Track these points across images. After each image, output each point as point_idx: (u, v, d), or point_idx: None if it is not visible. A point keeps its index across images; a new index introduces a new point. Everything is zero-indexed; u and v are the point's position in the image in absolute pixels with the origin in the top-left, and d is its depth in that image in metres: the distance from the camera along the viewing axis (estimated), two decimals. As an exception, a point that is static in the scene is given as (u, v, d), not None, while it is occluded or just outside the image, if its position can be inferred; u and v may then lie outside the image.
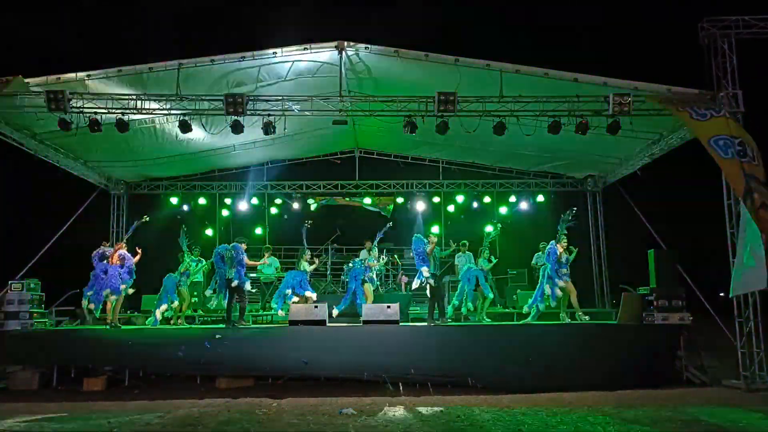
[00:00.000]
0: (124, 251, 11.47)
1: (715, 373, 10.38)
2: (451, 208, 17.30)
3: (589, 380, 9.65)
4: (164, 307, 11.75)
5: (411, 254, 12.75)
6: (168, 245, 13.10)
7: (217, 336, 10.28)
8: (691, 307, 10.63)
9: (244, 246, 11.37)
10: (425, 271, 11.15)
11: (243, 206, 16.99)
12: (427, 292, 11.40)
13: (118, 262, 11.25)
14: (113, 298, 11.16)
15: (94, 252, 11.43)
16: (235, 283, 10.92)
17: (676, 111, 10.06)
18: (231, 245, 11.38)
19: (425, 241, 11.38)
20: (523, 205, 17.03)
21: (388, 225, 12.65)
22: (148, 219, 12.22)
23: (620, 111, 10.45)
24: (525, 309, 11.76)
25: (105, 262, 11.25)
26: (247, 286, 11.34)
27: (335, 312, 11.66)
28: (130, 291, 11.60)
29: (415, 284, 11.68)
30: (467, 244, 12.69)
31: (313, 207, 17.13)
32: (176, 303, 11.95)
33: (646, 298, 10.81)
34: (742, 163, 9.26)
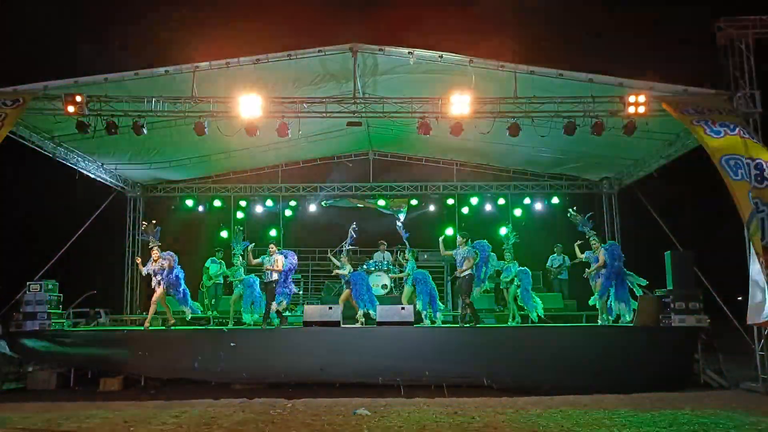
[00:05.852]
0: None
1: (733, 375, 10.26)
2: (465, 209, 17.26)
3: (606, 383, 9.58)
4: None
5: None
6: (184, 247, 13.16)
7: (232, 344, 10.30)
8: (709, 309, 10.50)
9: None
10: None
11: (258, 208, 17.16)
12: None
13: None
14: None
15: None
16: None
17: (690, 124, 9.95)
18: None
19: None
20: (538, 207, 16.97)
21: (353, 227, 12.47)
22: (154, 222, 11.95)
23: (636, 112, 10.39)
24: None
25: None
26: None
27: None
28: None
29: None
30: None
31: (323, 204, 17.18)
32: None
33: (662, 300, 10.71)
34: (755, 188, 9.09)
